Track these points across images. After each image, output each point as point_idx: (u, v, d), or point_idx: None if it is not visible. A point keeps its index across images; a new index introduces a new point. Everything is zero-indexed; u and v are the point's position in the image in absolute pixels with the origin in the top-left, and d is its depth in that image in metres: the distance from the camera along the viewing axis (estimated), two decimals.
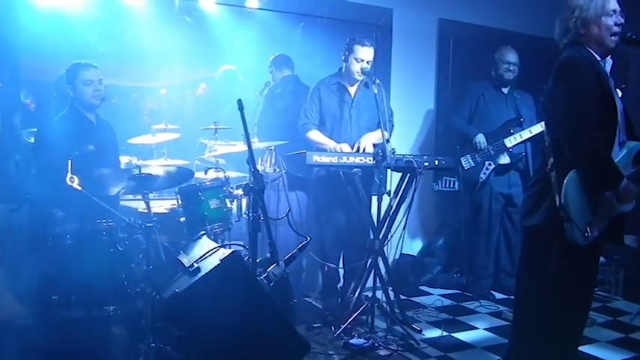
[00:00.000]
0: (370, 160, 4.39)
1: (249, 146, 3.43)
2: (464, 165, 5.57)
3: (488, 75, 5.78)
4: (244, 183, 4.13)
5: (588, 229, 2.79)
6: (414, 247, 6.45)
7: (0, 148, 4.59)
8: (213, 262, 3.10)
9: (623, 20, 2.94)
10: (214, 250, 3.20)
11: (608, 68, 3.07)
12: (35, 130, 4.60)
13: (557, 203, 2.80)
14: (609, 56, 3.07)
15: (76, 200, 3.76)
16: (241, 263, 3.16)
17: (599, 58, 2.95)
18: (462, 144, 5.67)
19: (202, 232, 3.63)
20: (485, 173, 5.56)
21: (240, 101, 3.36)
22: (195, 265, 3.12)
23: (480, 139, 5.52)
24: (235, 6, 5.71)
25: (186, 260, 3.16)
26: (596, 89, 2.82)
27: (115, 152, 4.59)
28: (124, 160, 4.79)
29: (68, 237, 3.79)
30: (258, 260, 3.45)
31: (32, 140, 4.52)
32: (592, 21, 2.92)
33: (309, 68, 5.68)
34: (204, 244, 3.36)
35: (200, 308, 3.01)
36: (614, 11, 2.92)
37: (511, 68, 5.62)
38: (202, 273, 3.07)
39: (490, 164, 5.54)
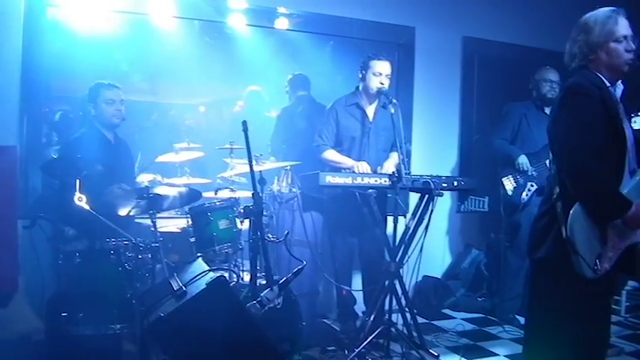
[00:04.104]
0: (385, 181, 4.30)
1: (251, 168, 3.41)
2: (505, 186, 5.47)
3: (528, 95, 5.62)
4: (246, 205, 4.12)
5: (597, 262, 2.66)
6: (438, 269, 6.29)
7: (25, 164, 4.71)
8: (199, 286, 3.08)
9: (634, 47, 2.80)
10: (203, 273, 3.18)
11: (618, 93, 2.92)
12: (58, 147, 4.75)
13: (564, 235, 2.68)
14: (620, 81, 2.93)
15: (86, 219, 3.82)
16: (227, 288, 3.12)
17: (608, 84, 2.82)
18: (504, 165, 5.53)
19: (199, 255, 3.61)
20: (527, 194, 5.41)
21: (244, 122, 3.36)
22: (183, 288, 3.11)
23: (523, 160, 5.38)
24: (265, 27, 5.75)
25: (175, 283, 3.15)
26: (601, 118, 2.70)
27: (131, 171, 4.68)
28: (147, 177, 4.85)
29: (77, 255, 3.86)
30: (257, 284, 3.43)
31: (55, 157, 4.65)
32: (599, 46, 2.80)
33: (330, 86, 5.67)
34: (198, 266, 3.34)
35: (185, 332, 2.98)
36: (625, 37, 2.79)
37: (553, 86, 5.45)
38: (187, 297, 3.04)
39: (532, 185, 5.38)
